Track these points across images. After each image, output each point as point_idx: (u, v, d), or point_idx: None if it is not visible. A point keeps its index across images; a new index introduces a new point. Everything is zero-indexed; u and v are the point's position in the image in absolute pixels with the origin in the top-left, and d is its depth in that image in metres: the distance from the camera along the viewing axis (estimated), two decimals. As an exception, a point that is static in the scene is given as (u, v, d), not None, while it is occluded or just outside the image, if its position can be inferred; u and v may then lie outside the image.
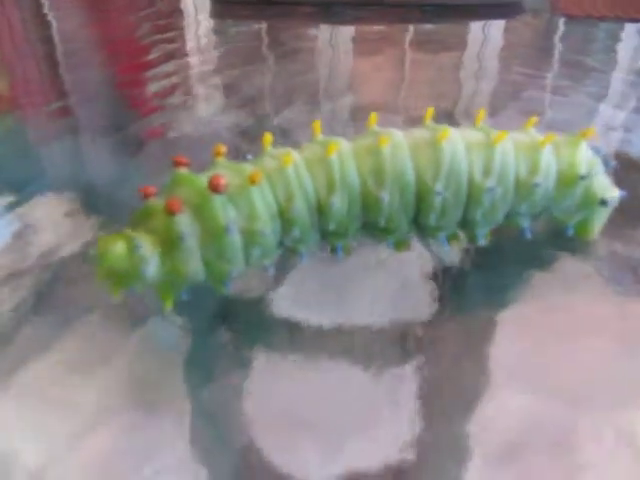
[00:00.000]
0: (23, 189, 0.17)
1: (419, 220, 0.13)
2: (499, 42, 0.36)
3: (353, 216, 0.13)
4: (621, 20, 0.40)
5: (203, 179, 0.12)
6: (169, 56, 0.32)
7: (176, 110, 0.24)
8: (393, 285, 0.14)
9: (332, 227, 0.13)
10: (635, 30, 0.38)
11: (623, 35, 0.38)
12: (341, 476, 0.09)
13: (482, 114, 0.14)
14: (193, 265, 0.12)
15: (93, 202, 0.17)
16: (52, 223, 0.16)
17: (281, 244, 0.13)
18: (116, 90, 0.27)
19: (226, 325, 0.13)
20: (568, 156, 0.14)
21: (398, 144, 0.13)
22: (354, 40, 0.37)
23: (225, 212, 0.12)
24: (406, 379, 0.11)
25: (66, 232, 0.15)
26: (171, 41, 0.35)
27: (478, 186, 0.13)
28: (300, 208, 0.12)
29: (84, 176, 0.19)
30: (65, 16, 0.41)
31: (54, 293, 0.13)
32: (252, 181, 0.12)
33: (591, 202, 0.14)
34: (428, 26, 0.39)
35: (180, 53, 0.33)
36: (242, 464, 0.10)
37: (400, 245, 0.14)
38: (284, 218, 0.12)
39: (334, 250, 0.14)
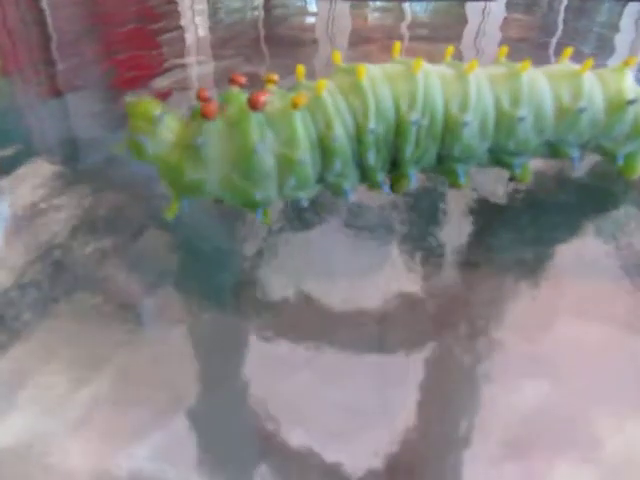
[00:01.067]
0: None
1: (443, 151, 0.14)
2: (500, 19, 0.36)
3: (389, 144, 0.13)
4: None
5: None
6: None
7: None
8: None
9: (371, 159, 0.13)
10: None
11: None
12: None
13: (504, 51, 0.14)
14: (209, 176, 0.12)
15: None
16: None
17: (322, 179, 0.13)
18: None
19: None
20: (614, 83, 0.14)
21: (429, 71, 0.13)
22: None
23: (257, 132, 0.11)
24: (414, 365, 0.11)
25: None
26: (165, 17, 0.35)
27: (508, 115, 0.13)
28: (340, 136, 0.12)
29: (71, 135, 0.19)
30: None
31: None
32: (295, 105, 0.12)
33: (639, 131, 0.14)
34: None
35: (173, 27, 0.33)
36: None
37: (399, 183, 0.14)
38: (325, 147, 0.12)
39: (376, 185, 0.13)
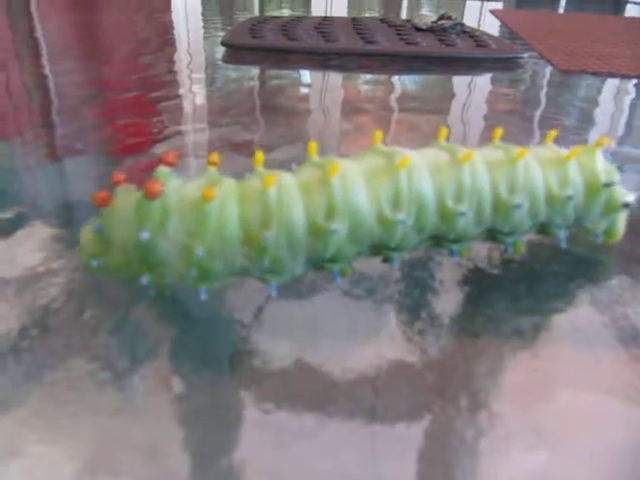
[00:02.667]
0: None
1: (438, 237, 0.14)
2: (490, 93, 0.37)
3: (358, 241, 0.12)
4: (614, 76, 0.42)
5: (176, 185, 0.12)
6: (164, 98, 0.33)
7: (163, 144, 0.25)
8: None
9: (329, 255, 0.12)
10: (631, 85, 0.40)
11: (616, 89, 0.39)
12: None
13: (499, 133, 0.14)
14: (114, 260, 0.12)
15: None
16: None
17: (246, 272, 0.12)
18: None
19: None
20: (588, 166, 0.14)
21: (415, 166, 0.13)
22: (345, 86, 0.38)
23: (151, 219, 0.11)
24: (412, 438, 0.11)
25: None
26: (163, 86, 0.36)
27: (505, 203, 0.13)
28: (274, 235, 0.12)
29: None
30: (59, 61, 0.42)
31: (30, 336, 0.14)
32: (204, 197, 0.11)
33: (615, 207, 0.15)
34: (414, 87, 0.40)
35: (173, 95, 0.34)
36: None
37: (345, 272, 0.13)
38: (252, 245, 0.12)
39: (334, 275, 0.13)
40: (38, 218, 0.18)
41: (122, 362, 0.12)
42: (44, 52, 0.46)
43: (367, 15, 0.79)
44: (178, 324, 0.13)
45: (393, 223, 0.12)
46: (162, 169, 0.12)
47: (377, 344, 0.13)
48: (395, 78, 0.40)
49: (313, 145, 0.13)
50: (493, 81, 0.40)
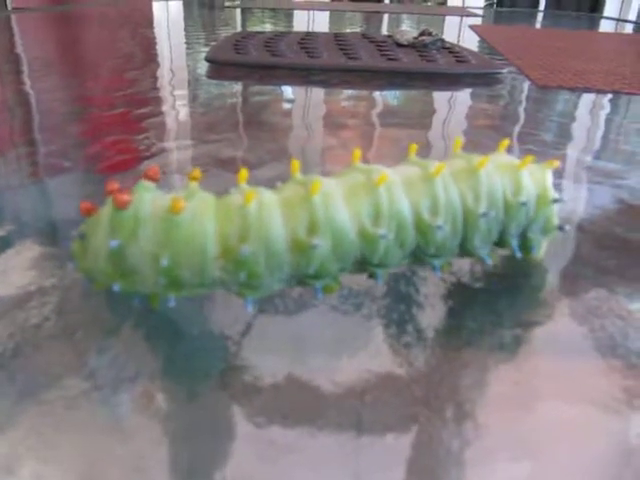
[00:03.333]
0: None
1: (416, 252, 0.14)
2: (471, 108, 0.38)
3: (341, 257, 0.13)
4: (590, 91, 0.43)
5: (150, 196, 0.12)
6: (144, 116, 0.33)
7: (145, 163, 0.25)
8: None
9: (312, 271, 0.13)
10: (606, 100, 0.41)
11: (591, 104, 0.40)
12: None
13: (459, 142, 0.15)
14: (91, 265, 0.12)
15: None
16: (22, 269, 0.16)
17: (223, 283, 0.12)
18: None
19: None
20: (541, 180, 0.15)
21: (393, 182, 0.13)
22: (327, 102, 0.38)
23: (122, 228, 0.12)
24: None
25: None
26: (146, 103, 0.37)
27: (472, 213, 0.14)
28: (251, 250, 0.12)
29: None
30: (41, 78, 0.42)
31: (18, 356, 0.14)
32: (172, 209, 0.12)
33: (552, 227, 0.16)
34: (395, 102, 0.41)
35: (157, 112, 0.34)
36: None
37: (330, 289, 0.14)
38: (228, 258, 0.12)
39: (315, 291, 0.13)
40: (27, 237, 0.18)
41: (114, 380, 0.12)
42: (25, 68, 0.46)
43: (349, 31, 0.80)
44: (168, 341, 0.13)
45: (375, 238, 0.13)
46: (143, 183, 0.12)
47: (364, 358, 0.13)
48: (377, 93, 0.40)
49: (296, 163, 0.13)
50: (473, 96, 0.41)
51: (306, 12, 1.17)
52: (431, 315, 0.15)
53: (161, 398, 0.12)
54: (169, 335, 0.14)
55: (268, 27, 0.86)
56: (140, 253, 0.12)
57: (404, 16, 1.16)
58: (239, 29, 0.82)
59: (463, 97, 0.41)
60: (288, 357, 0.13)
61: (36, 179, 0.23)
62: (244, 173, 0.13)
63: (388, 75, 0.45)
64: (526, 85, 0.45)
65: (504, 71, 0.47)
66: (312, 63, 0.46)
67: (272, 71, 0.45)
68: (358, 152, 0.14)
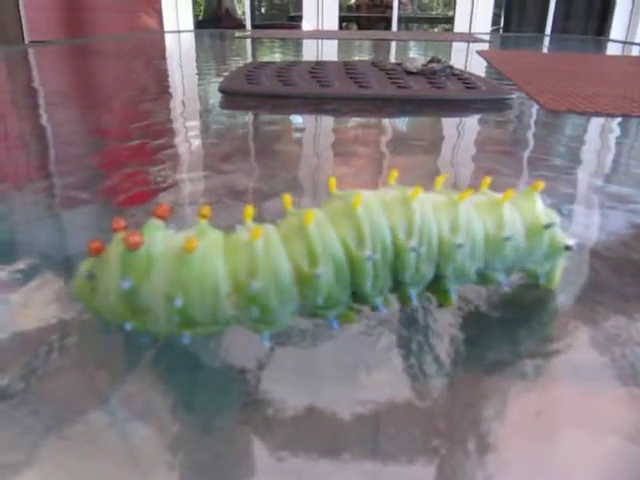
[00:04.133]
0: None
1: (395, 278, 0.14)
2: (481, 134, 0.38)
3: (342, 285, 0.13)
4: (601, 115, 0.43)
5: (161, 235, 0.12)
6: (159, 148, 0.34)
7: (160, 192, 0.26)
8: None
9: (320, 301, 0.13)
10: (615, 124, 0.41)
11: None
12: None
13: (441, 179, 0.15)
14: (101, 304, 0.13)
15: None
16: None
17: (238, 320, 0.13)
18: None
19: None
20: (528, 209, 0.15)
21: (370, 203, 0.13)
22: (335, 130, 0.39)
23: (135, 268, 0.12)
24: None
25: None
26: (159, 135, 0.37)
27: (448, 243, 0.14)
28: (261, 285, 0.12)
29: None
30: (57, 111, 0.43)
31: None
32: (186, 248, 0.12)
33: (557, 249, 0.15)
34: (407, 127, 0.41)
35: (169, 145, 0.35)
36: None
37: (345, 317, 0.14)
38: (240, 295, 0.12)
39: (329, 322, 0.14)
40: (47, 270, 0.18)
41: (134, 414, 0.12)
42: (42, 101, 0.47)
43: (358, 59, 0.82)
44: (188, 374, 0.13)
45: (361, 260, 0.13)
46: (153, 221, 0.13)
47: (384, 388, 0.13)
48: (388, 121, 0.41)
49: (287, 198, 0.14)
50: (483, 122, 0.42)
51: (315, 41, 1.19)
52: (450, 345, 0.15)
53: (181, 432, 0.12)
54: (188, 369, 0.14)
55: (277, 57, 0.87)
56: (153, 293, 0.12)
57: (411, 43, 1.17)
58: (250, 59, 0.84)
59: (473, 123, 0.41)
60: (308, 389, 0.13)
61: (54, 212, 0.23)
62: (250, 210, 0.13)
63: (399, 103, 0.46)
64: (535, 110, 0.45)
65: (513, 96, 0.47)
66: (324, 92, 0.46)
67: (284, 100, 0.46)
68: (333, 181, 0.14)
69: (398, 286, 0.14)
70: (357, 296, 0.14)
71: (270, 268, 0.12)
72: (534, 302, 0.17)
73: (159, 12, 2.74)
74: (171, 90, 0.54)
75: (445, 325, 0.15)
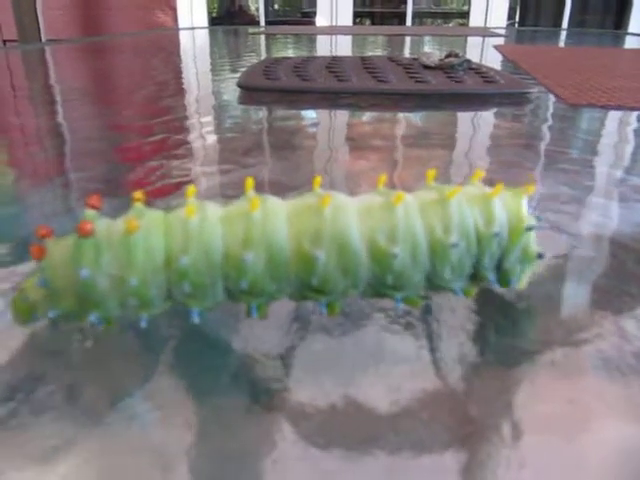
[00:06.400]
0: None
1: (373, 281, 0.14)
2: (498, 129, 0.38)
3: (275, 276, 0.13)
4: (622, 108, 0.43)
5: (105, 222, 0.13)
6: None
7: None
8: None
9: (244, 285, 0.13)
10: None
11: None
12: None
13: (432, 174, 0.15)
14: (65, 306, 0.13)
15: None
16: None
17: (170, 296, 0.13)
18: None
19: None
20: (514, 208, 0.15)
21: (340, 205, 0.13)
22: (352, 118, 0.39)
23: (86, 257, 0.12)
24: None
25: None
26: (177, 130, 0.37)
27: (441, 243, 0.13)
28: (190, 260, 0.12)
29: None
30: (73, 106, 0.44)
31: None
32: (128, 230, 0.12)
33: (531, 255, 0.15)
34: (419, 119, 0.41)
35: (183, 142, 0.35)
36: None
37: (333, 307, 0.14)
38: (172, 268, 0.13)
39: (249, 312, 0.14)
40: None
41: (164, 402, 0.12)
42: (59, 98, 0.47)
43: (371, 54, 0.81)
44: (215, 362, 0.14)
45: (311, 258, 0.13)
46: (89, 212, 0.13)
47: (416, 377, 0.13)
48: (407, 115, 0.41)
49: (318, 179, 0.14)
50: (503, 116, 0.41)
51: (329, 37, 1.19)
52: (481, 334, 0.15)
53: (214, 422, 0.12)
54: (216, 355, 0.14)
55: (292, 52, 0.87)
56: (107, 279, 0.12)
57: (426, 38, 1.17)
58: (265, 55, 0.84)
59: (493, 117, 0.41)
60: (339, 377, 0.13)
61: (80, 205, 0.24)
62: (192, 190, 0.13)
63: (417, 97, 0.45)
64: (556, 104, 0.45)
65: (533, 90, 0.47)
66: (343, 87, 0.46)
67: (302, 96, 0.46)
68: (319, 179, 0.14)
69: (376, 289, 0.14)
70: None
71: (202, 244, 0.13)
72: (559, 292, 0.17)
73: (174, 9, 2.75)
74: (188, 86, 0.54)
75: (475, 314, 0.16)
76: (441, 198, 0.14)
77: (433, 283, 0.14)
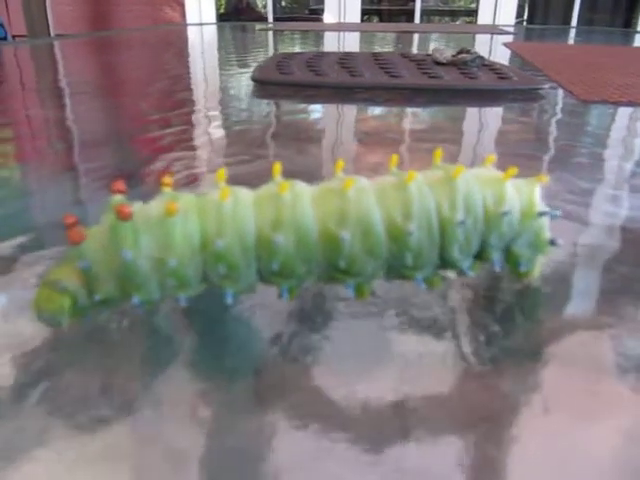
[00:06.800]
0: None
1: (391, 262, 0.14)
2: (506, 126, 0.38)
3: (304, 257, 0.13)
4: (634, 105, 0.43)
5: (137, 205, 0.13)
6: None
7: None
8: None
9: (275, 267, 0.13)
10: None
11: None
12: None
13: (439, 154, 0.15)
14: (105, 290, 0.13)
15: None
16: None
17: (206, 279, 0.14)
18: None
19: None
20: (527, 193, 0.15)
21: (363, 188, 0.14)
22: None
23: (127, 239, 0.13)
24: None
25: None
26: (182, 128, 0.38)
27: (448, 221, 0.14)
28: (226, 243, 0.13)
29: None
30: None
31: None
32: (168, 212, 0.13)
33: (542, 242, 0.15)
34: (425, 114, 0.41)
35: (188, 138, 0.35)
36: None
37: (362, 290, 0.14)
38: (208, 251, 0.13)
39: (280, 294, 0.14)
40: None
41: (187, 391, 0.13)
42: (74, 91, 0.48)
43: (379, 50, 0.81)
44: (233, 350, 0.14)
45: (337, 239, 0.13)
46: (117, 197, 0.13)
47: (446, 358, 0.14)
48: (421, 110, 0.41)
49: (340, 163, 0.15)
50: (517, 112, 0.42)
51: (336, 33, 1.19)
52: (508, 317, 0.15)
53: (219, 415, 0.12)
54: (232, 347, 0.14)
55: (300, 49, 0.87)
56: (146, 261, 0.13)
57: (436, 35, 1.17)
58: (276, 51, 0.84)
59: (507, 113, 0.42)
60: (351, 366, 0.14)
61: (106, 194, 0.24)
62: (222, 174, 0.14)
63: (431, 93, 0.46)
64: (569, 100, 0.45)
65: (546, 86, 0.47)
66: (356, 82, 0.47)
67: (315, 90, 0.46)
68: (341, 163, 0.15)
69: (394, 270, 0.14)
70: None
71: (236, 228, 0.13)
72: (581, 278, 0.17)
73: (182, 5, 2.75)
74: (201, 80, 0.55)
75: (497, 299, 0.16)
76: (448, 177, 0.14)
77: (444, 261, 0.15)
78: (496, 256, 0.15)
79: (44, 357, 0.13)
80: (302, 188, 0.14)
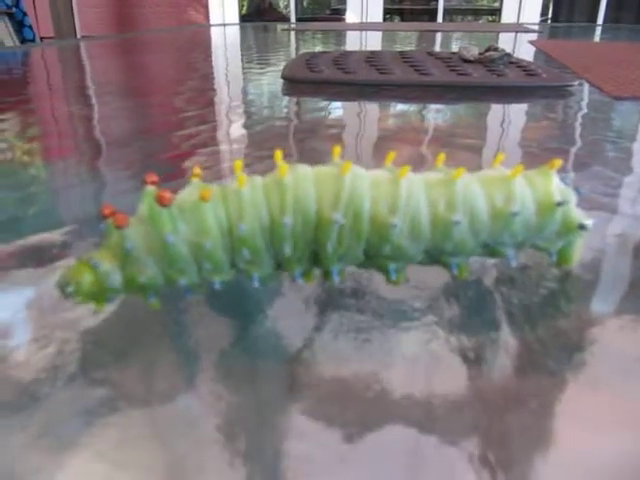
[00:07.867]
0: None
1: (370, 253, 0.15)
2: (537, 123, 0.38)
3: (307, 240, 0.14)
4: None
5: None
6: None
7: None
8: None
9: (287, 250, 0.14)
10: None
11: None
12: None
13: (442, 157, 0.16)
14: (149, 274, 0.13)
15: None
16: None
17: (234, 265, 0.14)
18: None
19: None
20: (542, 185, 0.15)
21: (358, 173, 0.14)
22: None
23: (168, 224, 0.13)
24: None
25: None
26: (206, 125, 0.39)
27: (444, 220, 0.14)
28: (248, 227, 0.14)
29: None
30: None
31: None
32: (202, 198, 0.13)
33: (570, 228, 0.15)
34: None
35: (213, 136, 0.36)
36: None
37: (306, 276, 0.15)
38: (233, 236, 0.14)
39: (292, 278, 0.15)
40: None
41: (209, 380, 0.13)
42: (104, 91, 0.49)
43: (401, 48, 0.82)
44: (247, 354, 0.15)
45: (331, 222, 0.14)
46: (149, 188, 0.14)
47: (496, 338, 0.14)
48: (451, 107, 0.42)
49: (338, 149, 0.15)
50: (547, 108, 0.42)
51: (359, 33, 1.19)
52: (552, 302, 0.15)
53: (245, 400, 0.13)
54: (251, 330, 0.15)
55: (325, 48, 0.88)
56: (184, 245, 0.13)
57: (459, 34, 1.16)
58: (296, 51, 0.85)
59: (537, 109, 0.42)
60: (377, 365, 0.14)
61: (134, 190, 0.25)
62: (239, 164, 0.14)
63: (460, 90, 0.46)
64: (599, 97, 0.45)
65: (575, 83, 0.47)
66: (386, 79, 0.47)
67: (344, 88, 0.47)
68: (338, 149, 0.15)
69: (374, 259, 0.15)
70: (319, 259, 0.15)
71: (255, 211, 0.14)
72: (621, 267, 0.17)
73: (205, 6, 2.78)
74: (231, 79, 0.56)
75: (542, 286, 0.16)
76: (447, 178, 0.15)
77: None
78: (510, 252, 0.15)
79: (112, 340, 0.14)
80: (305, 170, 0.14)
